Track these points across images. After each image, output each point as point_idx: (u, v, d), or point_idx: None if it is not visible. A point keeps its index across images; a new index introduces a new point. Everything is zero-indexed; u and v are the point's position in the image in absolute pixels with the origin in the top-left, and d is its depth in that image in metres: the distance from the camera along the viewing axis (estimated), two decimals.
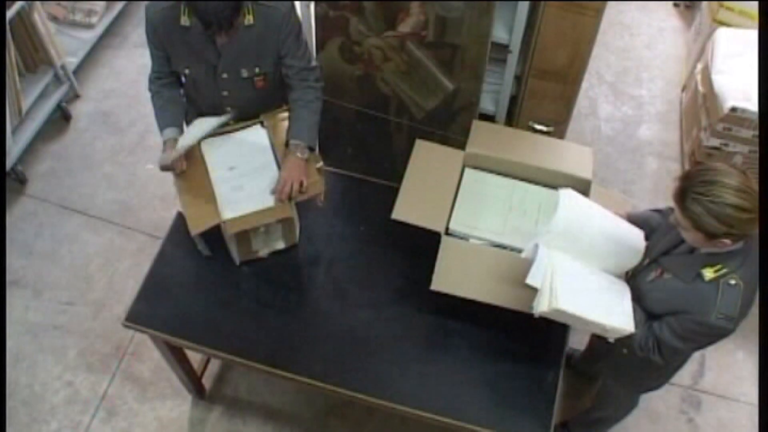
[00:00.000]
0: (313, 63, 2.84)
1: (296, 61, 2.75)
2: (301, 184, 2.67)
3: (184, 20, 2.58)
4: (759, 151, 2.01)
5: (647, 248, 2.42)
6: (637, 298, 2.36)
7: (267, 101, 2.84)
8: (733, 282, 2.11)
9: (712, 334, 2.18)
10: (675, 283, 2.22)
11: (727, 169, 2.04)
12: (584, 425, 3.27)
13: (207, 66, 2.70)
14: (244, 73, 2.73)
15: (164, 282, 2.80)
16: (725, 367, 3.59)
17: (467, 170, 2.86)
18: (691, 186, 2.02)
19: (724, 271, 2.11)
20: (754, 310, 2.19)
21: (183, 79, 2.82)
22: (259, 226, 2.68)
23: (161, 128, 2.77)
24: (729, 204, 1.98)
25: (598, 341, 3.04)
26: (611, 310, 2.29)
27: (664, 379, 2.71)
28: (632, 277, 2.46)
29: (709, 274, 2.13)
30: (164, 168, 2.73)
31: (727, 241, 2.04)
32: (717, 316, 2.11)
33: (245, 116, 2.85)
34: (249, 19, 2.60)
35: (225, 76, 2.72)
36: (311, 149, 2.76)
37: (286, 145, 2.74)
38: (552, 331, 2.60)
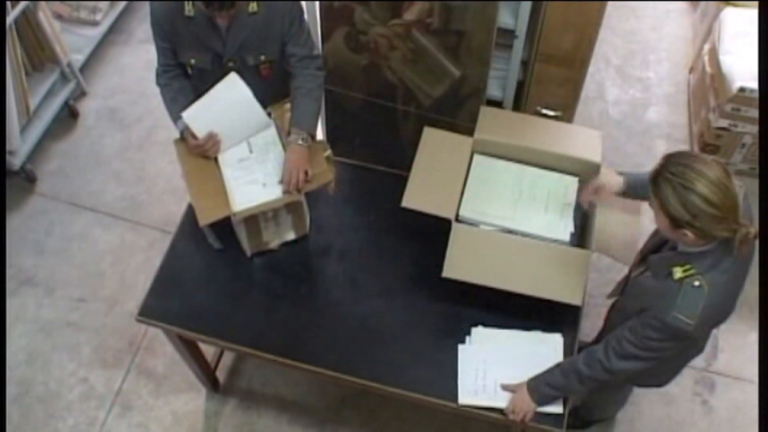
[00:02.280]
0: (316, 51, 2.85)
1: (298, 49, 2.76)
2: (306, 173, 2.68)
3: (188, 10, 2.59)
4: (759, 143, 1.99)
5: (643, 245, 2.43)
6: (627, 295, 2.38)
7: (273, 91, 2.84)
8: (696, 283, 2.05)
9: (668, 333, 2.12)
10: (649, 280, 2.21)
11: (710, 161, 1.99)
12: (592, 406, 3.26)
13: (213, 55, 2.70)
14: (250, 61, 2.73)
15: (176, 276, 2.81)
16: (739, 349, 3.58)
17: (476, 156, 2.85)
18: (667, 166, 1.99)
19: (692, 271, 2.06)
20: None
21: (189, 70, 2.82)
22: (268, 213, 2.69)
23: (176, 119, 2.77)
24: (697, 192, 1.92)
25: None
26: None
27: (673, 374, 2.70)
28: (629, 276, 2.47)
29: (678, 273, 2.08)
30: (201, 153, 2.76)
31: (690, 234, 1.99)
32: (674, 315, 2.06)
33: None
34: (253, 6, 2.60)
35: (231, 64, 2.72)
36: (312, 137, 2.77)
37: (288, 134, 2.75)
38: (564, 314, 2.60)
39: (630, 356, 2.24)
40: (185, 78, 2.84)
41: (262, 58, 2.74)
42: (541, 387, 2.42)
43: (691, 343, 2.20)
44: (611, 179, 2.51)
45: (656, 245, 2.32)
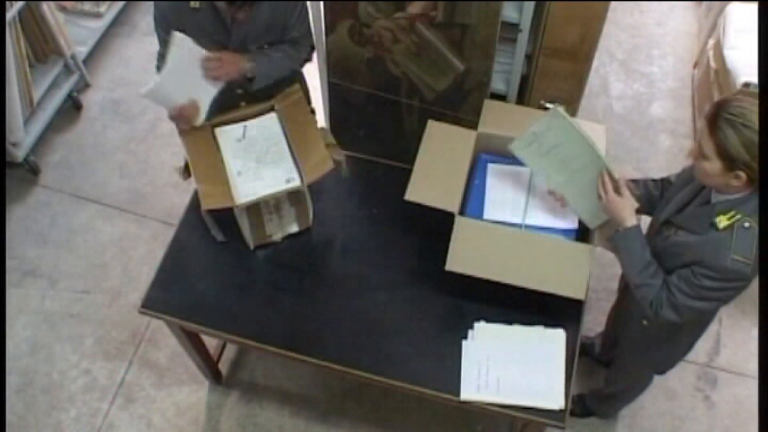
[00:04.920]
0: (308, 39, 2.89)
1: (299, 31, 2.80)
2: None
3: (194, 3, 2.58)
4: (759, 141, 2.01)
5: (656, 213, 2.45)
6: (656, 260, 2.36)
7: (278, 82, 2.84)
8: (747, 225, 2.10)
9: (729, 280, 2.14)
10: (689, 237, 2.22)
11: (757, 102, 2.05)
12: (599, 399, 3.27)
13: (217, 46, 2.69)
14: (253, 50, 2.72)
15: (179, 268, 2.82)
16: (741, 344, 3.59)
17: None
18: (725, 108, 2.03)
19: (738, 216, 2.11)
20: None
21: None
22: (271, 205, 2.70)
23: None
24: (758, 131, 1.98)
25: (615, 324, 3.06)
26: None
27: (681, 355, 2.71)
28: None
29: (723, 222, 2.12)
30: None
31: (743, 176, 2.04)
32: (733, 259, 2.09)
33: (256, 96, 2.84)
34: None
35: None
36: (250, 79, 2.76)
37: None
38: (567, 309, 2.60)
39: (685, 308, 2.25)
40: None
41: (266, 47, 2.74)
42: (638, 236, 2.35)
43: (743, 286, 2.19)
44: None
45: (678, 207, 2.33)
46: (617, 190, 2.38)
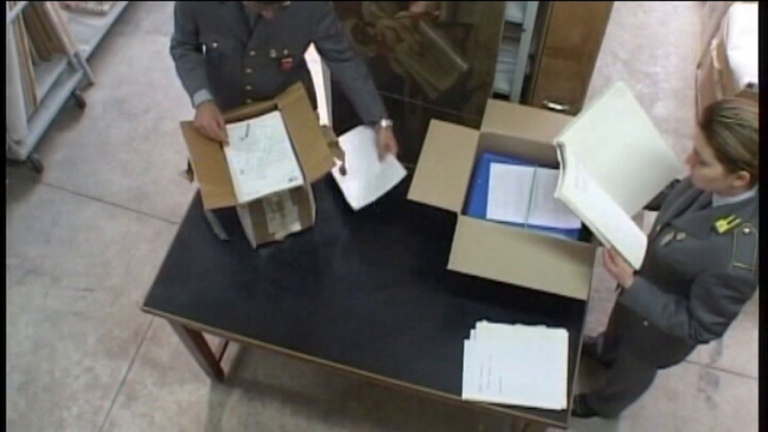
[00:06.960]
0: (352, 45, 2.89)
1: (338, 45, 2.79)
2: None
3: None
4: (759, 142, 2.01)
5: (658, 215, 2.46)
6: (655, 265, 2.36)
7: (287, 84, 2.84)
8: (747, 230, 2.11)
9: (737, 288, 2.15)
10: (690, 242, 2.22)
11: (751, 102, 2.06)
12: (601, 399, 3.27)
13: (236, 42, 2.69)
14: (273, 54, 2.72)
15: (182, 266, 2.82)
16: (743, 345, 3.58)
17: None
18: (718, 111, 2.04)
19: (738, 221, 2.11)
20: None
21: (204, 50, 2.82)
22: (274, 204, 2.70)
23: (193, 90, 2.75)
24: (754, 128, 1.99)
25: (616, 325, 3.05)
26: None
27: (683, 354, 2.71)
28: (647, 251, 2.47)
29: (723, 226, 2.12)
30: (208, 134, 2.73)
31: (747, 175, 2.04)
32: (734, 266, 2.10)
33: (264, 97, 2.84)
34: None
35: (253, 54, 2.70)
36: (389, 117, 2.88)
37: (369, 122, 2.87)
38: (569, 309, 2.60)
39: (717, 325, 2.25)
40: (201, 52, 2.84)
41: (286, 52, 2.73)
42: (642, 291, 2.37)
43: (750, 293, 2.20)
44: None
45: (678, 211, 2.33)
46: (611, 259, 2.38)
